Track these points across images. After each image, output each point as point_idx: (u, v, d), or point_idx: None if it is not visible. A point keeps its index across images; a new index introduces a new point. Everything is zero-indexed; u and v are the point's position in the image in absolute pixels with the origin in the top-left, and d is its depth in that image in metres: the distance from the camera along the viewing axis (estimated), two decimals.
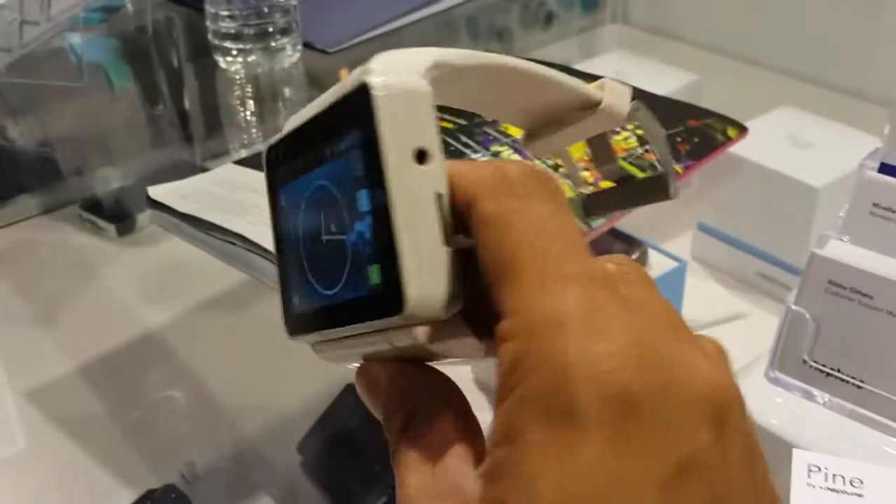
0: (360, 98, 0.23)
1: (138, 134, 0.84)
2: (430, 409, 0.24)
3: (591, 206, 0.34)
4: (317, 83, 0.83)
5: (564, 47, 1.08)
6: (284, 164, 0.27)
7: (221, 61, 0.74)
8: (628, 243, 0.62)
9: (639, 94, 0.64)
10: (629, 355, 0.21)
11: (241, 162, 0.58)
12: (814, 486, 0.34)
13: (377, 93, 0.23)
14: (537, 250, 0.22)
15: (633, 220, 0.71)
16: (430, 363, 0.26)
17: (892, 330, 0.36)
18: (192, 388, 0.63)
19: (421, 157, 0.23)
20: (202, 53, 0.79)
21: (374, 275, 0.23)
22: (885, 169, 0.39)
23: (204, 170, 0.78)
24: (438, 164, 0.23)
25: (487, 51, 0.79)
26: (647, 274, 0.24)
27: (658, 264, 0.60)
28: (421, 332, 0.23)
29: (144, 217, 0.75)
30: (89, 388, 0.62)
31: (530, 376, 0.21)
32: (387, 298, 0.23)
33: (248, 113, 0.77)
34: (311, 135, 0.26)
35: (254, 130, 0.77)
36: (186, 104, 0.87)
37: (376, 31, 0.80)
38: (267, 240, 0.48)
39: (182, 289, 0.71)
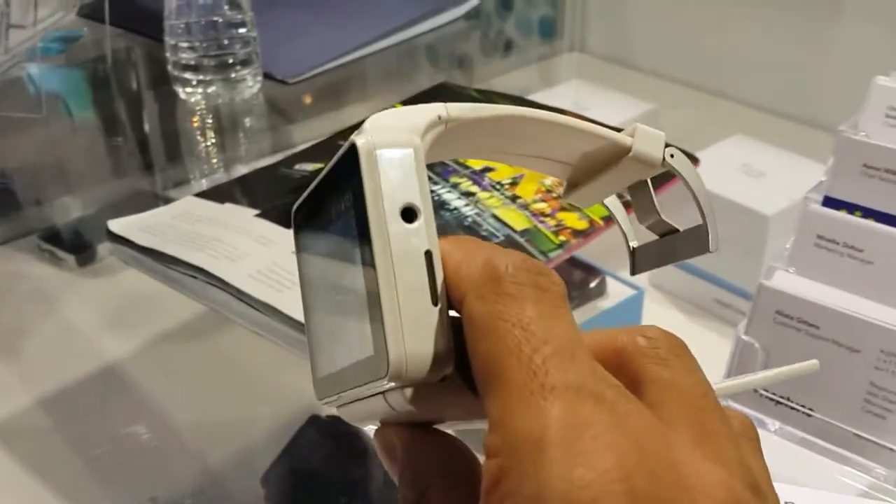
0: (351, 157, 0.23)
1: (98, 164, 0.84)
2: (439, 493, 0.23)
3: (638, 261, 0.32)
4: (277, 113, 0.83)
5: (523, 75, 1.10)
6: (305, 226, 0.27)
7: (181, 92, 0.74)
8: (587, 272, 0.62)
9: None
10: (613, 481, 0.19)
11: (201, 195, 0.59)
12: None
13: (360, 151, 0.23)
14: (523, 359, 0.21)
15: (591, 249, 0.72)
16: (446, 429, 0.25)
17: (838, 359, 0.38)
18: (154, 420, 0.62)
19: (408, 214, 0.23)
20: (162, 83, 0.79)
21: (368, 336, 0.23)
22: (828, 202, 0.40)
23: (165, 199, 0.78)
24: (427, 222, 0.23)
25: (449, 80, 0.79)
26: (683, 346, 0.23)
27: (616, 292, 0.61)
28: (410, 394, 0.22)
29: (105, 247, 0.75)
30: (50, 422, 0.62)
31: (508, 500, 0.20)
32: (375, 360, 0.22)
33: (208, 143, 0.78)
34: (321, 196, 0.26)
35: (214, 160, 0.77)
36: (146, 134, 0.87)
37: (336, 61, 0.81)
38: (226, 272, 0.48)
39: (143, 320, 0.71)
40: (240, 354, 0.65)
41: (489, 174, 0.57)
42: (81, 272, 0.75)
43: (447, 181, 0.57)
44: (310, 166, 0.60)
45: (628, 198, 0.30)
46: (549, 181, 0.57)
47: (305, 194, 0.27)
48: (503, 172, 0.58)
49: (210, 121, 0.77)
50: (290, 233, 0.52)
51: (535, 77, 1.12)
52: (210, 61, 0.72)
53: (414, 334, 0.22)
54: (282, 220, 0.53)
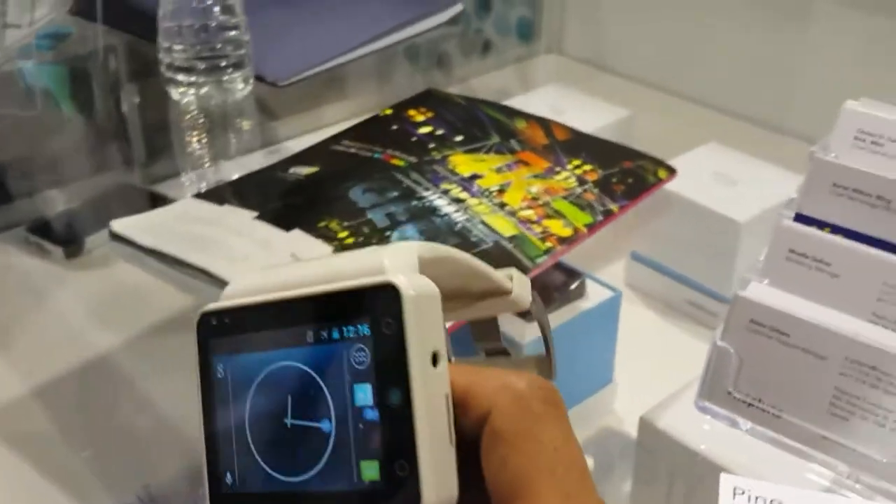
0: (380, 294, 0.23)
1: (87, 158, 0.85)
2: None
3: None
4: (266, 113, 0.85)
5: (501, 77, 1.12)
6: (231, 335, 0.27)
7: (173, 92, 0.75)
8: (567, 274, 0.65)
9: (579, 136, 0.68)
10: None
11: (200, 196, 0.60)
12: None
13: (406, 296, 0.23)
14: (556, 478, 0.23)
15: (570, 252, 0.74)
16: None
17: (806, 365, 0.41)
18: (145, 410, 0.64)
19: (434, 359, 0.24)
20: (153, 83, 0.80)
21: (370, 470, 0.23)
22: (800, 218, 0.43)
23: (151, 194, 0.79)
24: (446, 366, 0.24)
25: (427, 78, 0.83)
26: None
27: (594, 293, 0.64)
28: None
29: (92, 240, 0.76)
30: (43, 412, 0.63)
31: None
32: (390, 496, 0.23)
33: (195, 141, 0.79)
34: (280, 314, 0.26)
35: (202, 158, 0.79)
36: (136, 131, 0.88)
37: (326, 65, 0.83)
38: (228, 272, 0.50)
39: (131, 311, 0.72)
40: None
41: (478, 181, 0.60)
42: (69, 264, 0.76)
43: (438, 187, 0.59)
44: (304, 170, 0.62)
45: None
46: (534, 189, 0.59)
47: (240, 304, 0.27)
48: (491, 180, 0.60)
49: (199, 120, 0.78)
50: (289, 235, 0.54)
51: (512, 78, 1.14)
52: (202, 64, 0.73)
53: (442, 475, 0.23)
54: (279, 222, 0.55)
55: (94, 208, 0.80)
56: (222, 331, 0.27)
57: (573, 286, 0.64)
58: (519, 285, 0.30)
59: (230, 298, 0.27)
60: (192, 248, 0.52)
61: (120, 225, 0.55)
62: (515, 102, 0.83)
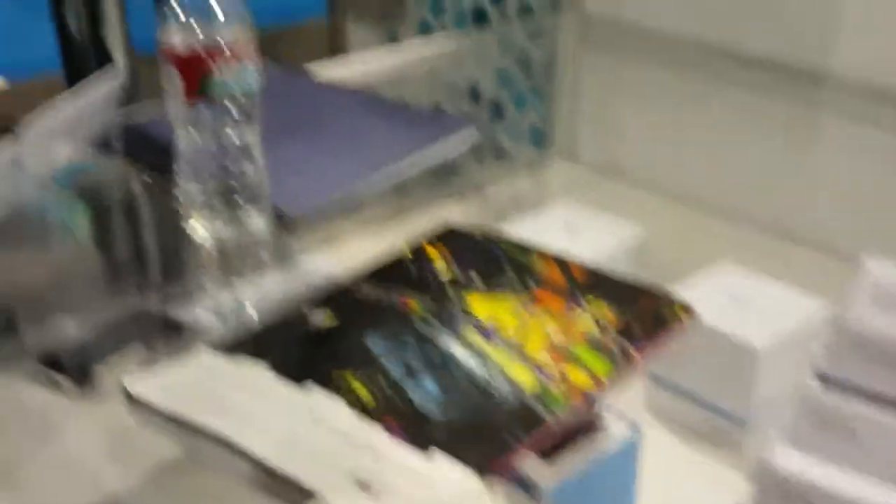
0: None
1: (100, 290, 0.85)
2: None
3: None
4: (282, 248, 0.85)
5: (515, 184, 1.12)
6: None
7: (189, 228, 0.76)
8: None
9: (597, 275, 0.67)
10: None
11: (215, 347, 0.60)
12: None
13: None
14: None
15: None
16: None
17: None
18: None
19: None
20: (169, 217, 0.81)
21: None
22: (823, 379, 0.43)
23: (166, 320, 0.79)
24: None
25: (442, 186, 0.84)
26: None
27: (613, 429, 0.62)
28: None
29: (105, 370, 0.75)
30: None
31: None
32: None
33: (211, 275, 0.80)
34: None
35: (216, 286, 0.79)
36: (152, 262, 0.88)
37: (339, 195, 0.84)
38: (253, 443, 0.49)
39: (148, 447, 0.71)
40: (247, 491, 0.65)
41: (496, 325, 0.60)
42: (82, 398, 0.75)
43: (456, 332, 0.59)
44: (322, 319, 0.62)
45: None
46: (553, 332, 0.59)
47: None
48: (509, 323, 0.60)
49: (215, 255, 0.79)
50: (304, 392, 0.53)
51: (526, 185, 1.14)
52: (218, 200, 0.74)
53: None
54: (294, 375, 0.55)
55: (107, 339, 0.80)
56: None
57: (593, 424, 0.63)
58: None
59: None
60: (213, 414, 0.51)
61: (136, 387, 0.54)
62: (527, 224, 0.83)
